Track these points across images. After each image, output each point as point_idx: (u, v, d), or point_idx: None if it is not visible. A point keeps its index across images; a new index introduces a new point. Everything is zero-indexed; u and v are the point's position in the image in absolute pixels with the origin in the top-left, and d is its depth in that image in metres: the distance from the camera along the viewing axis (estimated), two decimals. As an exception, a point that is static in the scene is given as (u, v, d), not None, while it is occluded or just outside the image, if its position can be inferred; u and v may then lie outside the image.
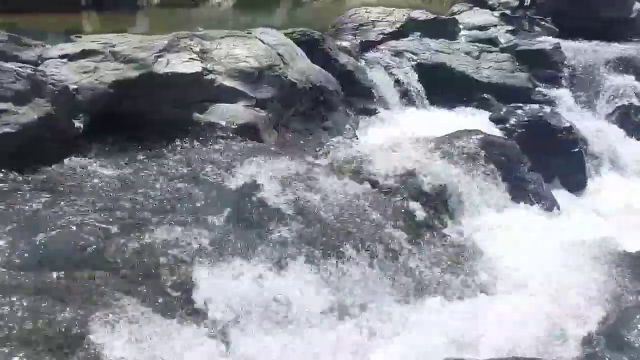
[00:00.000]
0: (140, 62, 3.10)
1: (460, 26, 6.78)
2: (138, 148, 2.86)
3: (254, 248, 2.16)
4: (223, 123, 3.14)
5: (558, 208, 3.42)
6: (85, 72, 3.03)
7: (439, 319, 2.09)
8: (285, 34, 4.46)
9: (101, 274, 1.93)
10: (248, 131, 3.21)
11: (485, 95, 5.11)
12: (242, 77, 3.42)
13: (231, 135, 3.10)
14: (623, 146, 4.75)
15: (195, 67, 3.22)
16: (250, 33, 3.89)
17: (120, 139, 2.94)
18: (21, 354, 1.60)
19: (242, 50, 3.55)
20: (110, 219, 2.14)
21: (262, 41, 3.81)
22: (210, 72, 3.29)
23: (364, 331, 2.03)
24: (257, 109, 3.45)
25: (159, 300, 1.90)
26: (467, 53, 5.66)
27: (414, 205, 2.73)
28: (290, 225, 2.29)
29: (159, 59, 3.14)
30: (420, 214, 2.68)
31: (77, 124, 2.91)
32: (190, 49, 3.32)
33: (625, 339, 1.88)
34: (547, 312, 2.18)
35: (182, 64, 3.18)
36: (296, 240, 2.22)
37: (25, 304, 1.73)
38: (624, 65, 5.72)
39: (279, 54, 3.84)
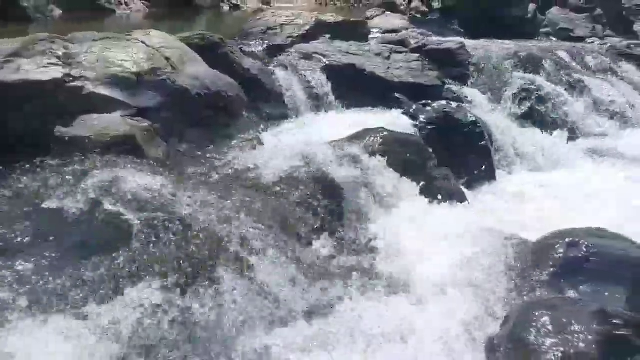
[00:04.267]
0: (-17, 69, 2.63)
1: (373, 30, 6.83)
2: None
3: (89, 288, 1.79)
4: (92, 136, 2.72)
5: (467, 201, 3.36)
6: None
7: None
8: (182, 39, 4.13)
9: None
10: (125, 145, 2.82)
11: (396, 95, 5.06)
12: (118, 84, 3.03)
13: (102, 150, 2.68)
14: (527, 139, 4.89)
15: (55, 73, 2.79)
16: (131, 35, 3.51)
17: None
18: None
19: (117, 53, 3.16)
20: None
21: (145, 44, 3.45)
22: (77, 78, 2.87)
23: None
24: (139, 119, 3.07)
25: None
26: (378, 54, 5.62)
27: (311, 211, 2.50)
28: (147, 251, 1.94)
29: (7, 65, 2.68)
30: (317, 219, 2.46)
31: None
32: (51, 52, 2.88)
33: (526, 340, 1.75)
34: (449, 315, 2.02)
35: (37, 69, 2.74)
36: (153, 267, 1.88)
37: None
38: (524, 62, 5.99)
39: (166, 58, 3.49)
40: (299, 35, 5.48)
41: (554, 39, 7.49)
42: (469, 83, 5.54)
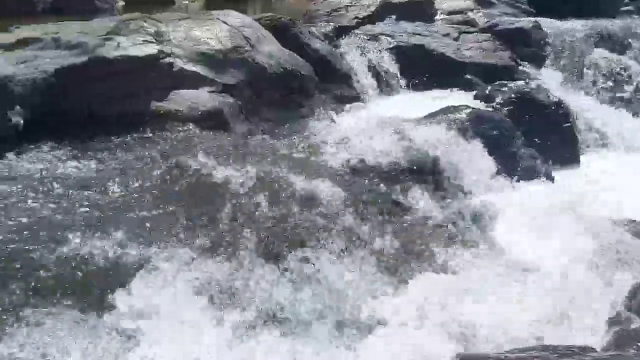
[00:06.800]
0: (86, 46, 2.76)
1: (438, 11, 6.61)
2: (90, 141, 2.53)
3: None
4: (184, 110, 2.81)
5: (553, 182, 3.19)
6: (23, 62, 2.68)
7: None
8: (253, 20, 4.17)
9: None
10: (213, 119, 2.89)
11: (467, 76, 4.87)
12: (205, 61, 3.10)
13: (193, 124, 2.77)
14: (611, 121, 4.58)
15: (151, 49, 2.89)
16: (211, 15, 3.58)
17: (71, 132, 2.60)
18: None
19: (202, 32, 3.23)
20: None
21: (225, 23, 3.50)
22: (168, 55, 2.97)
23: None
24: (224, 94, 3.14)
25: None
26: (446, 35, 5.43)
27: (396, 186, 2.46)
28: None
29: (108, 42, 2.80)
30: (402, 194, 2.41)
31: (15, 118, 2.56)
32: (144, 30, 2.99)
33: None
34: (562, 292, 1.92)
35: (135, 46, 2.85)
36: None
37: None
38: (607, 41, 5.60)
39: (244, 36, 3.53)
40: (364, 17, 5.38)
41: (637, 16, 6.93)
42: (546, 63, 5.23)
